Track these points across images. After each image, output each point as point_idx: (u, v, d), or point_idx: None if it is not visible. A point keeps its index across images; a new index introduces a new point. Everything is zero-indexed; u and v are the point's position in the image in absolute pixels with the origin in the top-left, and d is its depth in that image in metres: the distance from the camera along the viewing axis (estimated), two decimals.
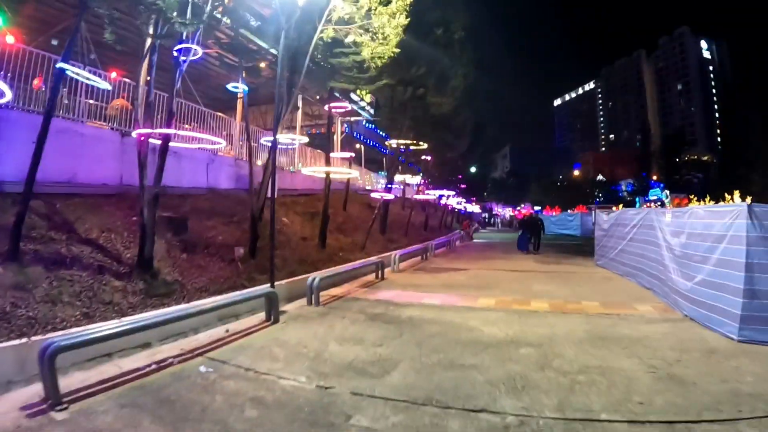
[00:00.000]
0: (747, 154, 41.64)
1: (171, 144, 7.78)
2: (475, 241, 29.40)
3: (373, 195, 16.02)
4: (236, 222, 11.43)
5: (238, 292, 7.56)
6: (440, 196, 25.56)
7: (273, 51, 12.86)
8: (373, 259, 12.57)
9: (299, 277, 9.43)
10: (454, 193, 26.27)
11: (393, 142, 16.78)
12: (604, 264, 14.09)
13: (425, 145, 15.93)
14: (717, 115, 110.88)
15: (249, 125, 10.79)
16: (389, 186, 17.94)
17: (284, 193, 16.02)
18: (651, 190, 28.05)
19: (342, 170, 12.97)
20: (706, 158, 62.96)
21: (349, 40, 10.42)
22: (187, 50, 7.80)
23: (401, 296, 9.23)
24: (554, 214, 52.88)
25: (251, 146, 10.60)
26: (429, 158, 22.63)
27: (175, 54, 7.74)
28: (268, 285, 7.70)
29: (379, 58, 10.81)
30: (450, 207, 31.64)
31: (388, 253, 14.47)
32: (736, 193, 34.12)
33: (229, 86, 10.64)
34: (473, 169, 45.25)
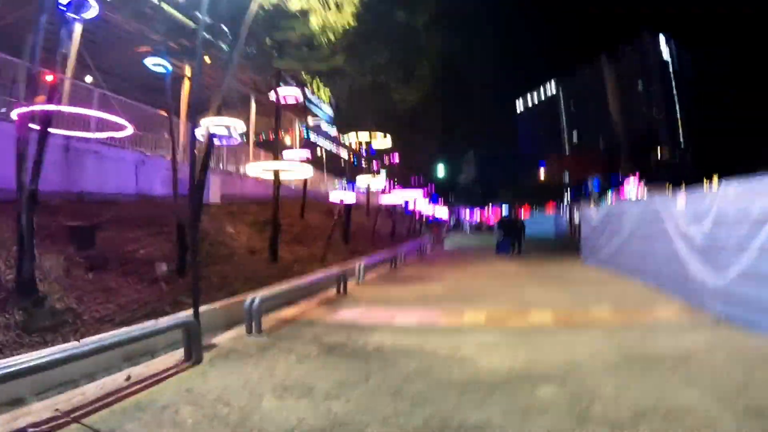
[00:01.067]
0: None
1: (74, 135, 5.81)
2: (446, 247, 27.84)
3: (333, 197, 14.17)
4: (167, 233, 9.42)
5: (144, 324, 5.59)
6: (406, 203, 23.92)
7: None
8: (334, 270, 10.73)
9: (241, 297, 7.51)
10: (422, 193, 24.57)
11: (352, 137, 15.02)
12: (595, 263, 12.68)
13: (389, 141, 14.17)
14: (678, 115, 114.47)
15: (171, 114, 8.83)
16: (350, 186, 16.14)
17: (231, 200, 14.05)
18: (627, 184, 27.23)
19: (294, 165, 11.02)
20: (668, 157, 63.93)
21: (295, 7, 8.64)
22: (81, 4, 5.95)
23: (368, 315, 7.40)
24: (523, 214, 52.22)
25: (174, 138, 8.62)
26: (395, 160, 21.03)
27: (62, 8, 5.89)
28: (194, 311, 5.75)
29: (332, 31, 9.10)
30: (418, 213, 30.09)
31: (353, 263, 12.68)
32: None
33: (148, 62, 8.65)
34: (441, 173, 43.93)
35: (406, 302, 8.49)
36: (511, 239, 17.90)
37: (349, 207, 15.33)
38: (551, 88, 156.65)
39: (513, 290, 9.56)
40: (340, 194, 13.58)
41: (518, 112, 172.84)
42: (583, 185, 63.56)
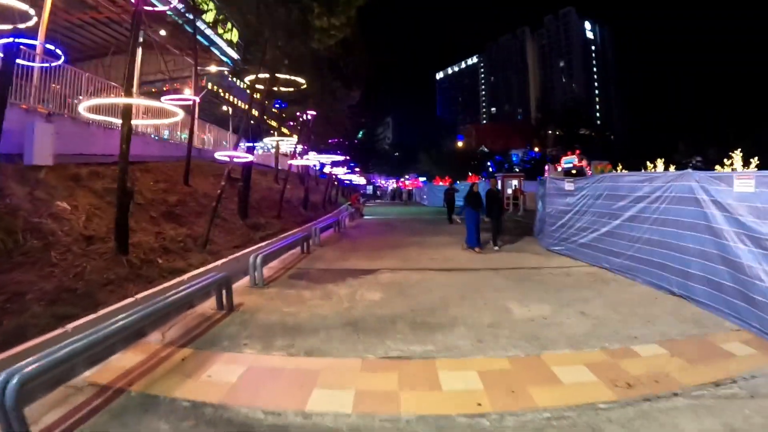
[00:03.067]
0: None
1: None
2: (366, 217, 24.85)
3: (219, 156, 10.57)
4: None
5: None
6: (322, 165, 20.49)
7: None
8: (211, 272, 7.41)
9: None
10: (342, 158, 21.12)
11: (253, 79, 11.30)
12: (565, 251, 10.37)
13: (303, 83, 10.63)
14: (597, 92, 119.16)
15: None
16: (249, 145, 12.49)
17: (87, 161, 10.11)
18: (565, 158, 25.71)
19: (150, 102, 7.18)
20: (586, 132, 65.18)
21: None
22: None
23: (259, 385, 4.12)
24: (443, 184, 50.55)
25: None
26: (310, 116, 17.49)
27: None
28: None
29: None
30: (335, 177, 26.77)
31: (248, 250, 9.35)
32: (660, 161, 33.99)
33: None
34: (360, 135, 40.57)
35: (327, 335, 5.23)
36: (494, 222, 11.77)
37: (248, 169, 11.78)
38: (471, 58, 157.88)
39: (486, 298, 6.63)
40: (227, 153, 9.96)
41: (438, 78, 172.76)
42: (510, 156, 63.66)
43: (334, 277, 8.39)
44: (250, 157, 11.20)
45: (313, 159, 18.08)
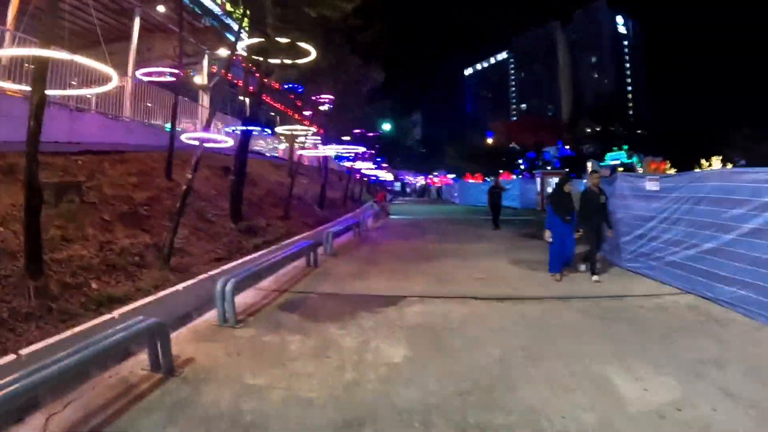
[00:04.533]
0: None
1: None
2: (393, 217, 22.32)
3: (185, 139, 8.24)
4: None
5: None
6: (341, 158, 18.06)
7: None
8: (169, 299, 5.13)
9: None
10: (364, 150, 18.51)
11: (250, 44, 8.98)
12: (646, 270, 7.76)
13: (311, 51, 8.20)
14: (630, 88, 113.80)
15: None
16: (244, 127, 10.08)
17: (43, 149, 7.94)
18: (608, 153, 22.83)
19: (66, 56, 4.78)
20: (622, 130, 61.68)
21: None
22: None
23: None
24: (474, 181, 47.72)
25: None
26: (326, 99, 15.14)
27: None
28: None
29: None
30: (358, 173, 24.30)
31: (233, 264, 7.04)
32: (716, 158, 30.64)
33: None
34: (387, 126, 38.03)
35: None
36: (592, 237, 7.95)
37: (241, 159, 9.52)
38: (500, 54, 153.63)
39: (566, 361, 4.16)
40: (197, 135, 7.54)
41: (466, 74, 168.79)
42: (543, 154, 60.23)
43: (342, 308, 5.97)
44: (229, 142, 8.85)
45: (328, 150, 15.66)
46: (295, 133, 16.04)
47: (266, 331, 5.15)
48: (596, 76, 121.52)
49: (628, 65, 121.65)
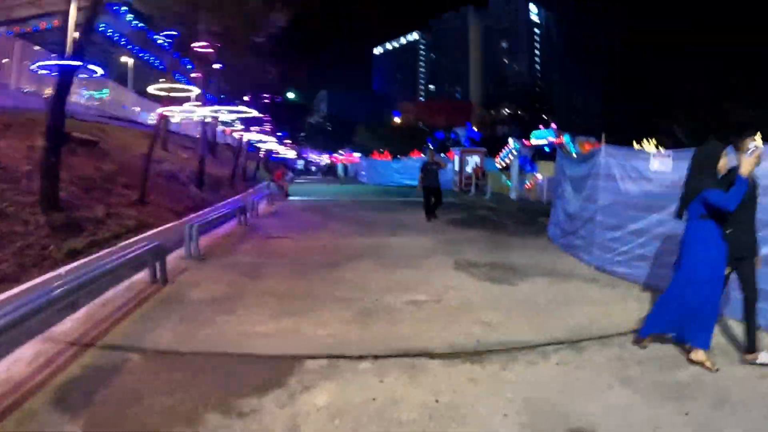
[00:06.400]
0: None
1: None
2: (292, 199, 18.86)
3: None
4: None
5: None
6: (227, 124, 14.37)
7: None
8: None
9: None
10: (255, 114, 14.64)
11: None
12: (648, 277, 5.48)
13: None
14: (539, 75, 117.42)
15: None
16: (67, 62, 6.39)
17: None
18: (535, 131, 21.27)
19: None
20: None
21: None
22: None
23: None
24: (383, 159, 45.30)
25: None
26: (207, 45, 11.46)
27: None
28: None
29: None
30: (247, 144, 20.29)
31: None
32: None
33: None
34: (291, 95, 34.05)
35: None
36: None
37: (58, 118, 5.93)
38: (411, 34, 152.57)
39: None
40: None
41: (376, 53, 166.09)
42: (450, 134, 59.41)
43: (174, 397, 2.92)
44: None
45: (204, 111, 11.81)
46: (172, 94, 12.16)
47: None
48: (507, 62, 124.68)
49: (537, 52, 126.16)
